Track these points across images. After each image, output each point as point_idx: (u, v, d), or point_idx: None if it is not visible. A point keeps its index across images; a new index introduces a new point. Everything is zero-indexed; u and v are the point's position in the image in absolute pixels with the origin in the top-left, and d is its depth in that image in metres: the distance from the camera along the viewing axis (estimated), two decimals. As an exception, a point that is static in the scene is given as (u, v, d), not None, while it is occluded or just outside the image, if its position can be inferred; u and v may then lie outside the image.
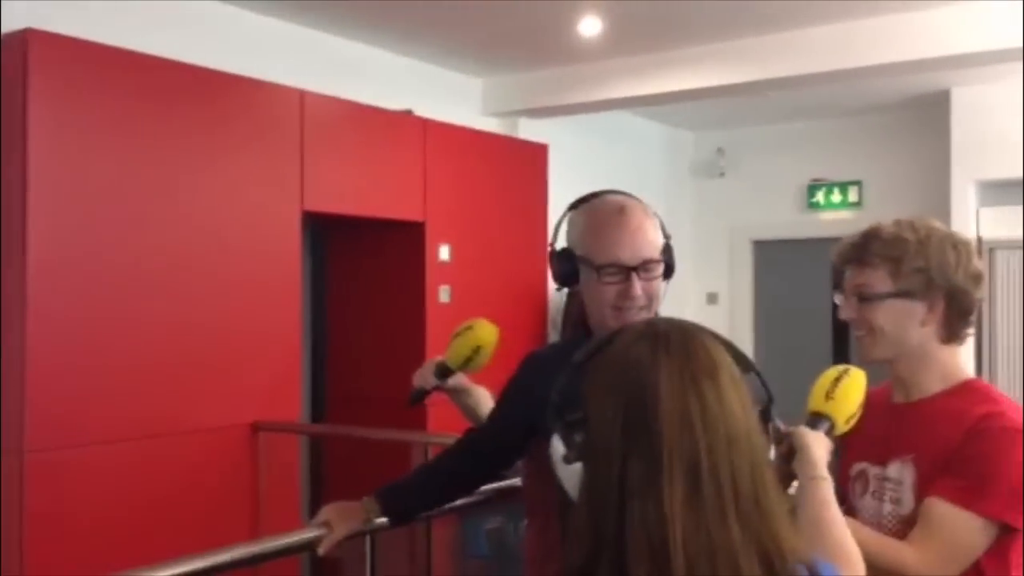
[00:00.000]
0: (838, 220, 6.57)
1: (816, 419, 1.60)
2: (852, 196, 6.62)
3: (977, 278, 1.73)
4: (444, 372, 2.15)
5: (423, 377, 2.18)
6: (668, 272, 1.82)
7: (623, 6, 4.24)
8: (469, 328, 2.12)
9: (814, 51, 4.63)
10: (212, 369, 3.65)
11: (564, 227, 1.86)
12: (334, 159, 4.14)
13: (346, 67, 4.60)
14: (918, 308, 1.71)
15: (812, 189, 6.76)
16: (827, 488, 1.45)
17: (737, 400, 1.08)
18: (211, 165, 3.68)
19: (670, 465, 1.03)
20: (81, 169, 3.29)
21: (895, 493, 1.72)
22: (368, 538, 2.16)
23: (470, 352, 2.10)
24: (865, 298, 1.74)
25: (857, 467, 1.82)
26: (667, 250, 1.81)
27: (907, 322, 1.72)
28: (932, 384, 1.74)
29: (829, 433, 1.58)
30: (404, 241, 4.62)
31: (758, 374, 1.20)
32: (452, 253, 4.70)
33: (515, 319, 4.93)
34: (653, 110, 6.21)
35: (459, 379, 2.19)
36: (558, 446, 1.16)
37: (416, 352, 4.47)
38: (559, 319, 5.16)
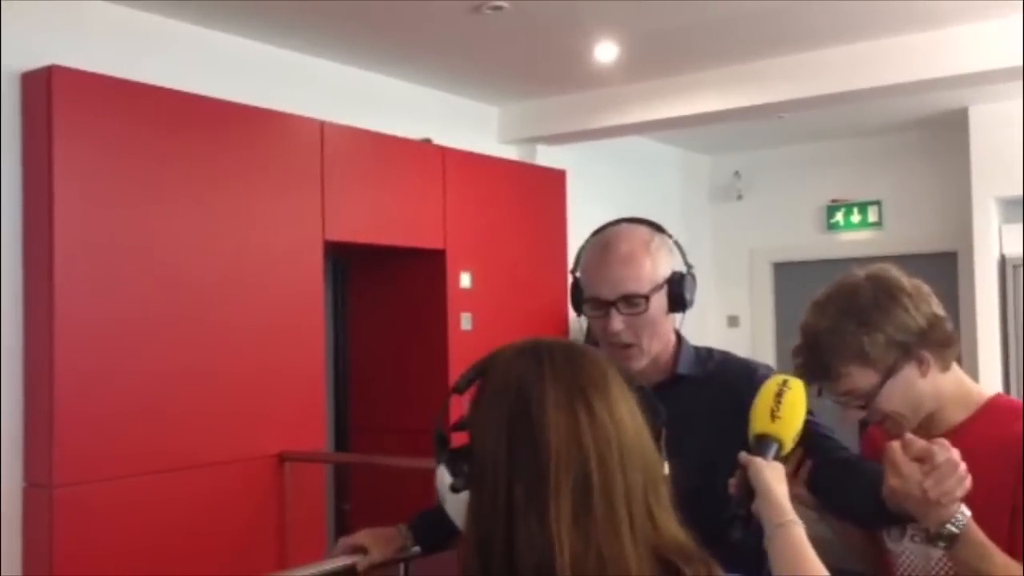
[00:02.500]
0: (858, 240, 6.54)
1: (763, 443, 1.47)
2: (872, 216, 6.59)
3: (935, 306, 1.61)
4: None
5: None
6: (677, 303, 1.79)
7: (638, 31, 4.27)
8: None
9: (830, 72, 4.64)
10: (237, 400, 3.66)
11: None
12: (355, 189, 4.17)
13: (365, 97, 4.64)
14: (910, 372, 1.59)
15: (831, 210, 6.73)
16: (799, 532, 1.33)
17: (628, 413, 1.03)
18: (233, 197, 3.71)
19: (557, 481, 0.97)
20: (105, 202, 3.32)
21: None
22: (403, 566, 2.16)
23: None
24: (861, 400, 1.61)
25: None
26: (674, 281, 1.78)
27: (912, 390, 1.60)
28: (954, 415, 1.63)
29: (778, 456, 1.47)
30: (425, 269, 4.63)
31: (646, 392, 1.13)
32: (473, 280, 4.71)
33: (537, 345, 4.92)
34: (670, 134, 6.22)
35: None
36: (444, 476, 1.08)
37: (438, 379, 4.47)
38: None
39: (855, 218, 6.65)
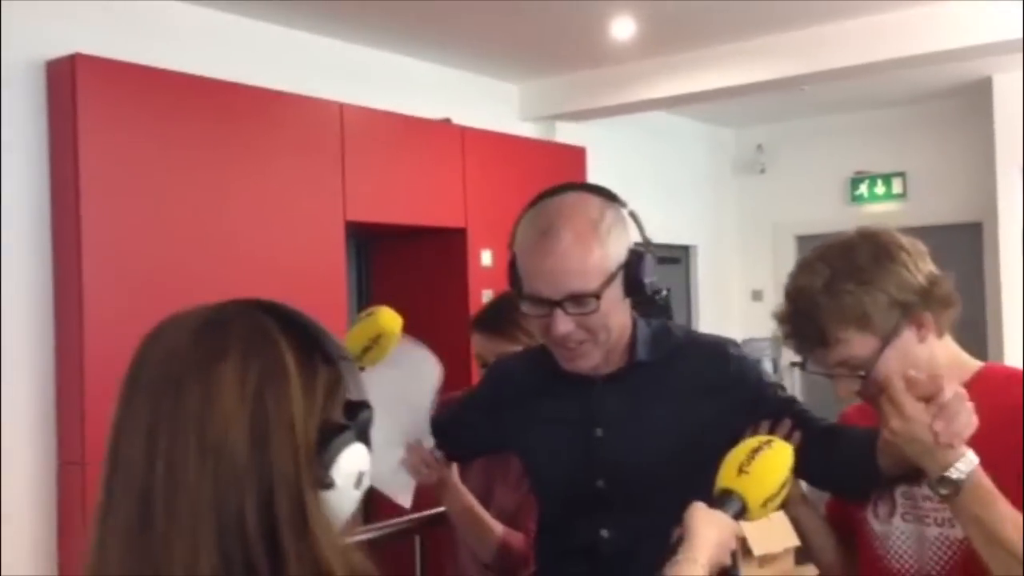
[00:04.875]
0: (883, 212, 6.50)
1: (724, 498, 1.29)
2: (896, 188, 6.54)
3: (931, 264, 1.51)
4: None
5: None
6: (633, 288, 1.55)
7: (655, 6, 4.26)
8: (370, 315, 1.87)
9: (851, 44, 4.61)
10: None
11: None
12: (375, 169, 4.21)
13: (383, 78, 4.67)
14: (910, 337, 1.47)
15: (855, 182, 6.69)
16: (694, 573, 1.21)
17: (239, 400, 0.85)
18: (255, 180, 3.76)
19: (110, 488, 0.85)
20: (130, 188, 3.39)
21: (941, 513, 1.48)
22: (417, 538, 2.22)
23: (368, 342, 1.84)
24: (859, 368, 1.47)
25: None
26: (631, 264, 1.53)
27: (909, 357, 1.46)
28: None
29: (740, 517, 1.29)
30: (446, 248, 4.67)
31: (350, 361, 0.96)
32: (494, 258, 4.74)
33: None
34: (692, 109, 6.20)
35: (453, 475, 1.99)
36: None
37: (461, 358, 4.52)
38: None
39: (879, 190, 6.61)
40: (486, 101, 5.28)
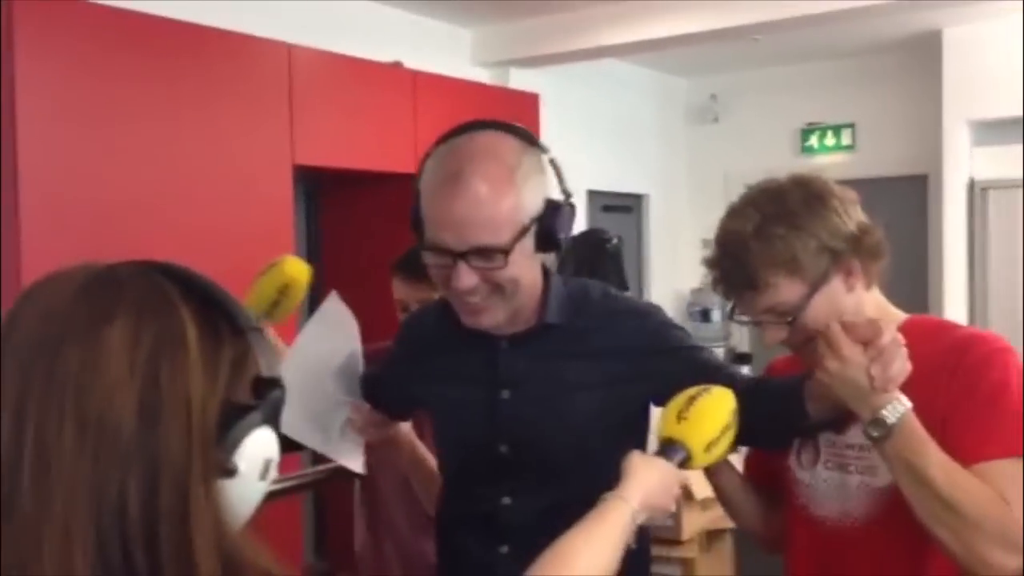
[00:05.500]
0: (832, 163, 6.56)
1: (666, 447, 1.29)
2: (845, 139, 6.60)
3: (862, 214, 1.50)
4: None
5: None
6: (546, 242, 1.44)
7: (611, -48, 4.21)
8: (274, 265, 1.75)
9: (804, -7, 4.61)
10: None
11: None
12: (324, 113, 4.13)
13: (333, 20, 4.57)
14: (838, 284, 1.46)
15: (806, 133, 6.74)
16: (621, 512, 1.19)
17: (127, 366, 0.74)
18: (199, 120, 3.68)
19: None
20: (68, 125, 3.29)
21: (863, 462, 1.49)
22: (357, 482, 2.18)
23: (276, 294, 1.74)
24: (787, 315, 1.45)
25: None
26: (546, 216, 1.42)
27: (836, 305, 1.45)
28: None
29: (684, 465, 1.29)
30: (397, 194, 4.60)
31: (258, 332, 0.83)
32: (445, 205, 4.71)
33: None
34: (645, 57, 6.17)
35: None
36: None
37: (412, 304, 4.50)
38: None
39: (829, 141, 6.67)
40: (439, 45, 5.21)
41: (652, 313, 1.61)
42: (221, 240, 3.74)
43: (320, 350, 1.72)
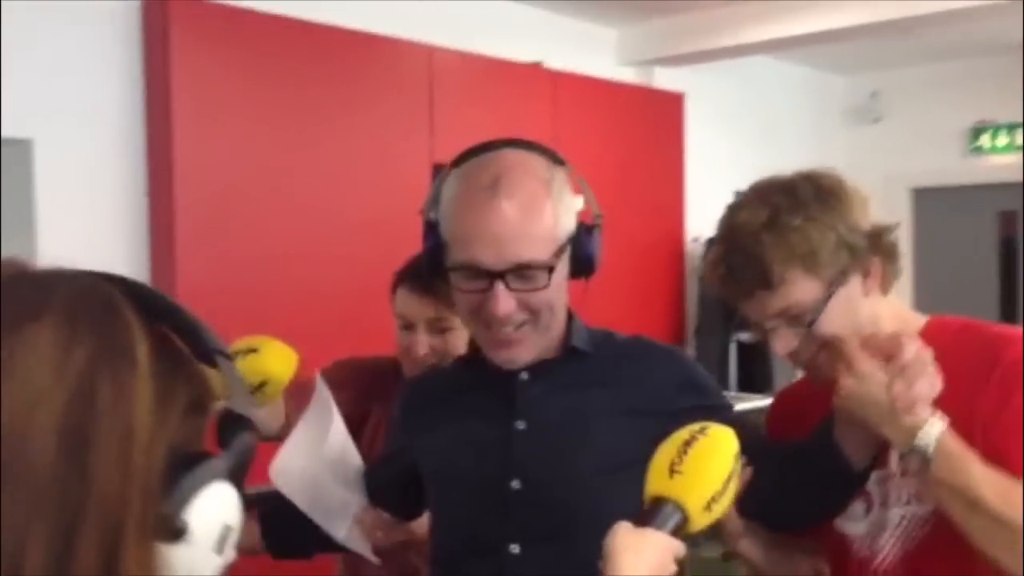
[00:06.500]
0: (1005, 165, 6.14)
1: (655, 509, 1.03)
2: (1019, 139, 6.16)
3: (871, 210, 1.38)
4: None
5: None
6: (582, 267, 1.32)
7: (758, -56, 4.07)
8: (253, 351, 1.48)
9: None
10: (346, 324, 3.76)
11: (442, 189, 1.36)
12: (463, 114, 4.17)
13: (476, 21, 4.60)
14: (856, 286, 1.32)
15: (975, 133, 6.34)
16: None
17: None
18: (344, 121, 3.78)
19: None
20: (221, 131, 3.44)
21: (902, 490, 1.34)
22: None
23: (258, 381, 1.49)
24: (800, 318, 1.30)
25: None
26: (581, 237, 1.31)
27: (854, 308, 1.32)
28: None
29: (680, 531, 1.03)
30: (536, 195, 4.61)
31: (223, 357, 0.64)
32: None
33: (651, 274, 4.89)
34: (798, 53, 5.94)
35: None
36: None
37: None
38: (695, 275, 5.05)
39: (1001, 141, 6.24)
40: (583, 45, 5.16)
41: (683, 356, 1.51)
42: (361, 236, 3.82)
43: (313, 450, 1.57)
